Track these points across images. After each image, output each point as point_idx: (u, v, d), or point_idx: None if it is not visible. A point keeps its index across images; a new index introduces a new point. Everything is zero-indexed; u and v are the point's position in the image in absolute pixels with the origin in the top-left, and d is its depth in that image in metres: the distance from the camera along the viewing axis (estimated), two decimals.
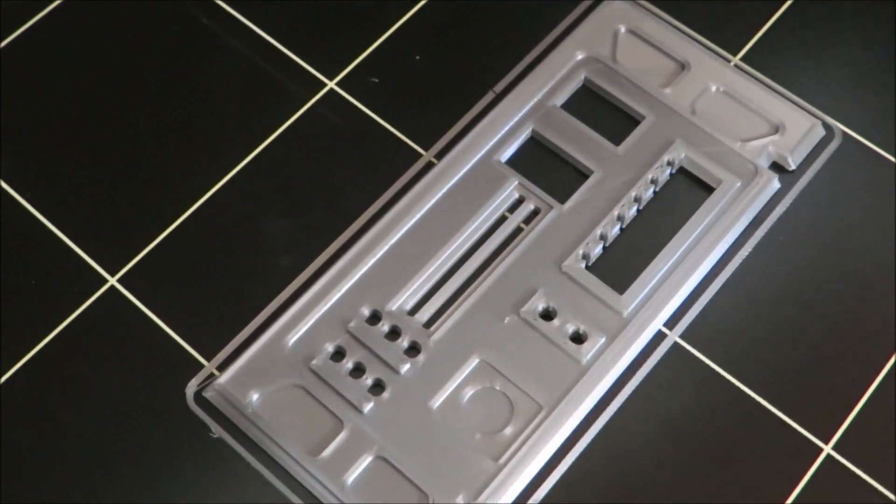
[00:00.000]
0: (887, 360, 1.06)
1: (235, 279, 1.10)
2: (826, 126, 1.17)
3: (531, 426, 1.02)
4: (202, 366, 1.06)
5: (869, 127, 1.17)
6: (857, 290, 1.09)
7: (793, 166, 1.15)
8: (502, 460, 1.01)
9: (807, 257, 1.11)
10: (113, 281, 1.10)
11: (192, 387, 1.05)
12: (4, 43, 1.23)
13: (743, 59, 1.21)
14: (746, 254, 1.11)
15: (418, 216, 1.12)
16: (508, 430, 1.02)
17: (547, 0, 1.24)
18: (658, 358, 1.06)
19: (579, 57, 1.20)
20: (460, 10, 1.25)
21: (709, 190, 1.13)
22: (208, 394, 1.04)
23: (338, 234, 1.12)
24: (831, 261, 1.11)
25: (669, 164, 1.14)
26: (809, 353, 1.06)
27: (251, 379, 1.04)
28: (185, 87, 1.21)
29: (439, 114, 1.19)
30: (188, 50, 1.23)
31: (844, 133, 1.17)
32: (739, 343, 1.07)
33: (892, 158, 1.15)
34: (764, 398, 1.04)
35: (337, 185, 1.15)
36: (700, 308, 1.08)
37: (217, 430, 1.03)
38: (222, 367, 1.06)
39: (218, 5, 1.25)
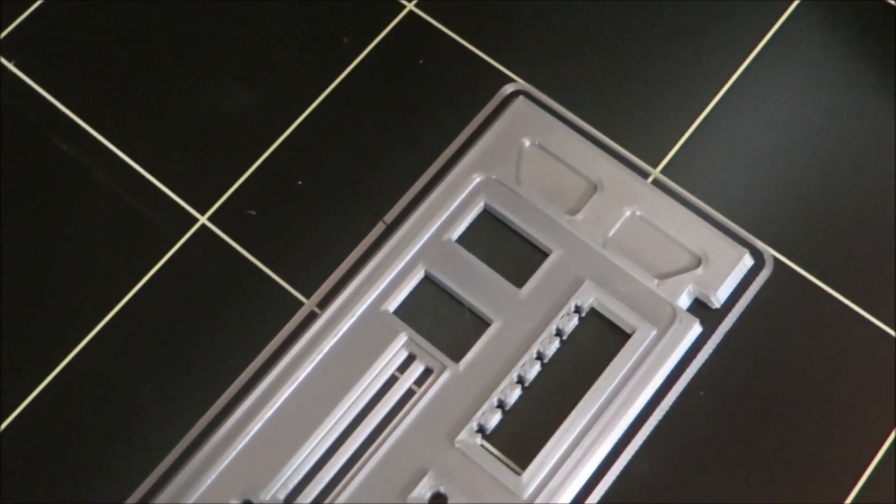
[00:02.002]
0: None
1: (98, 462, 0.99)
2: (755, 253, 1.04)
3: None
4: None
5: (803, 250, 1.04)
6: (794, 449, 0.97)
7: (717, 304, 1.02)
8: None
9: (732, 413, 0.99)
10: None
11: None
12: None
13: (664, 171, 1.08)
14: (663, 413, 0.99)
15: (297, 384, 1.00)
16: None
17: (445, 107, 1.11)
18: None
19: (477, 179, 1.07)
20: (350, 124, 1.12)
21: (623, 336, 1.01)
22: None
23: (210, 402, 1.01)
24: (760, 416, 0.99)
25: (577, 309, 1.01)
26: None
27: None
28: (36, 231, 1.08)
29: (324, 250, 1.06)
30: (42, 182, 1.10)
31: (776, 260, 1.04)
32: None
33: (831, 291, 1.03)
34: None
35: (209, 343, 1.03)
36: (612, 479, 0.97)
37: None
38: None
39: (82, 129, 1.12)
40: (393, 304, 1.03)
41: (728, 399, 1.00)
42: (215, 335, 1.04)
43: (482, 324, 1.02)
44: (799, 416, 0.99)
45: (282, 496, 0.97)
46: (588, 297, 1.01)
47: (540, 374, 1.00)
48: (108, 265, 1.07)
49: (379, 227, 1.07)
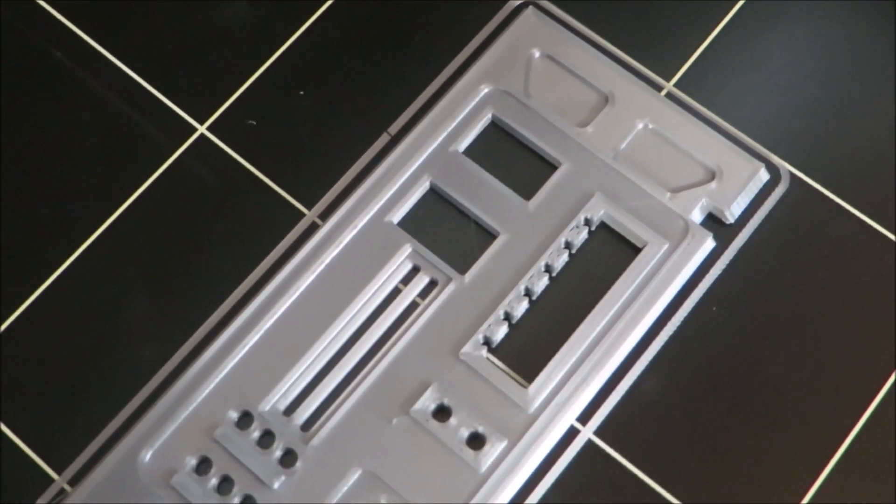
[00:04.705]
0: (828, 462, 0.92)
1: (91, 375, 0.96)
2: (771, 168, 1.01)
3: None
4: (52, 479, 0.94)
5: (822, 167, 1.01)
6: (802, 372, 0.95)
7: (731, 219, 0.99)
8: None
9: (744, 331, 0.96)
10: None
11: None
12: None
13: (677, 84, 1.04)
14: (674, 329, 0.96)
15: (298, 294, 0.97)
16: None
17: (451, 21, 1.08)
18: (569, 461, 0.92)
19: (485, 90, 1.03)
20: (353, 34, 1.08)
21: (633, 250, 0.98)
22: None
23: (206, 316, 0.98)
24: (773, 336, 0.96)
25: (587, 222, 0.98)
26: (744, 452, 0.92)
27: (103, 500, 0.91)
28: (30, 139, 1.05)
29: (326, 161, 1.03)
30: (36, 90, 1.07)
31: (793, 175, 1.01)
32: (665, 440, 0.93)
33: (847, 206, 1.00)
34: None
35: (208, 255, 1.00)
36: (619, 397, 0.94)
37: None
38: (75, 480, 0.93)
39: (76, 35, 1.09)
40: (397, 215, 1.00)
41: (740, 316, 0.97)
42: (213, 247, 1.01)
43: (489, 236, 0.99)
44: (812, 337, 0.96)
45: (281, 407, 0.94)
46: (598, 211, 0.98)
47: (548, 288, 0.97)
48: (103, 175, 1.04)
49: (383, 139, 1.03)
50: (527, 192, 1.00)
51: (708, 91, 1.04)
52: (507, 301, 0.96)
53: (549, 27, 1.06)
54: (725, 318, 0.97)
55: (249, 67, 1.07)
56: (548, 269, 0.97)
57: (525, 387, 0.93)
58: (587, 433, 0.93)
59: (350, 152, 1.03)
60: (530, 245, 0.98)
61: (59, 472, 0.93)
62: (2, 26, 1.10)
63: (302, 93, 1.06)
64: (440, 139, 1.02)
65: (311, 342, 0.95)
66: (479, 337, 0.95)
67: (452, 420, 0.92)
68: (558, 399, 0.93)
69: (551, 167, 1.01)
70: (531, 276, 0.96)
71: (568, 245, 0.98)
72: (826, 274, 0.98)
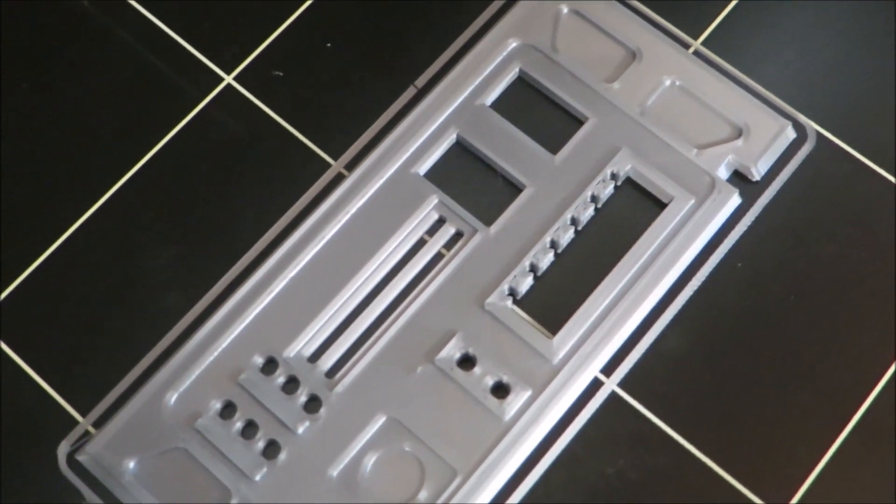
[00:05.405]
0: (851, 419, 0.92)
1: (116, 320, 0.97)
2: (798, 126, 1.01)
3: (444, 496, 0.89)
4: (77, 422, 0.94)
5: (848, 126, 1.01)
6: (826, 329, 0.95)
7: (757, 177, 0.99)
8: None
9: (768, 288, 0.96)
10: None
11: (63, 448, 0.92)
12: None
13: (704, 43, 1.04)
14: (699, 284, 0.96)
15: (323, 243, 0.97)
16: (419, 500, 0.89)
17: None
18: (592, 412, 0.92)
19: (513, 45, 1.03)
20: None
21: (659, 206, 0.98)
22: (81, 457, 0.92)
23: (231, 264, 0.98)
24: (797, 293, 0.96)
25: (613, 177, 0.98)
26: (767, 407, 0.93)
27: (128, 442, 0.91)
28: (58, 88, 1.05)
29: (352, 113, 1.03)
30: (63, 39, 1.07)
31: (819, 134, 1.01)
32: (688, 393, 0.93)
33: (874, 167, 1.00)
34: (713, 460, 0.91)
35: (233, 204, 1.00)
36: (643, 350, 0.94)
37: (90, 499, 0.91)
38: (99, 423, 0.93)
39: None
40: (423, 167, 1.00)
41: (764, 273, 0.97)
42: (238, 196, 1.01)
43: (515, 189, 0.99)
44: (835, 296, 0.96)
45: (307, 354, 0.94)
46: (624, 165, 0.98)
47: (573, 241, 0.97)
48: (129, 123, 1.04)
49: (410, 91, 1.03)
50: (553, 146, 1.00)
51: (735, 50, 1.04)
52: (532, 253, 0.96)
53: None
54: (750, 274, 0.97)
55: (277, 18, 1.07)
56: (573, 222, 0.97)
57: (550, 338, 0.93)
58: (611, 385, 0.93)
59: (376, 104, 1.03)
60: (556, 198, 0.98)
61: (83, 415, 0.94)
62: None
63: (329, 45, 1.06)
64: (467, 92, 1.02)
65: (337, 290, 0.96)
66: (504, 288, 0.95)
67: (477, 369, 0.93)
68: (583, 351, 0.93)
69: (578, 122, 1.01)
70: (557, 229, 0.96)
71: (594, 199, 0.98)
72: (851, 233, 0.98)
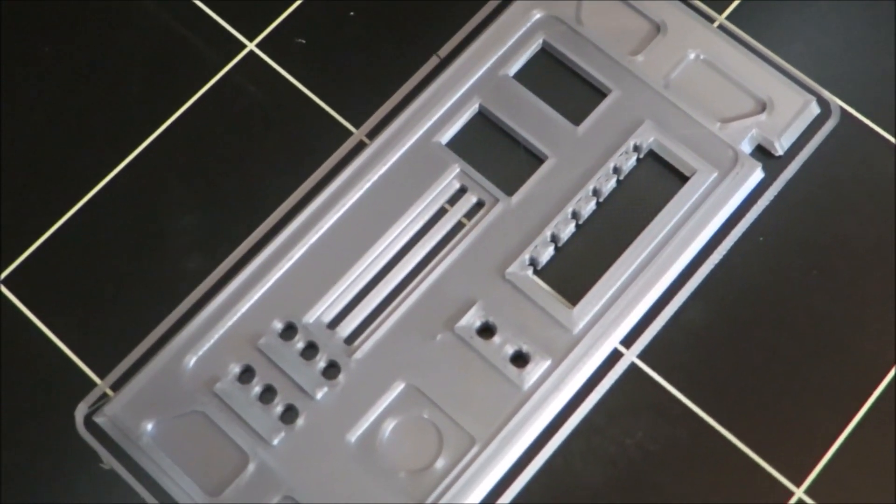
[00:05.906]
0: (871, 394, 0.92)
1: (135, 283, 0.97)
2: (822, 102, 1.00)
3: (462, 463, 0.89)
4: (95, 384, 0.94)
5: (872, 103, 1.01)
6: (848, 303, 0.95)
7: (780, 151, 0.99)
8: (428, 502, 0.89)
9: (791, 262, 0.96)
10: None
11: (81, 410, 0.93)
12: None
13: (729, 17, 1.04)
14: (720, 258, 0.96)
15: (344, 210, 0.97)
16: (436, 468, 0.89)
17: None
18: (611, 383, 0.92)
19: (537, 16, 1.03)
20: None
21: (681, 179, 0.98)
22: (99, 419, 0.92)
23: (252, 229, 0.98)
24: (820, 268, 0.96)
25: (636, 149, 0.98)
26: (787, 381, 0.92)
27: (146, 404, 0.91)
28: (81, 53, 1.05)
29: (375, 82, 1.03)
30: (87, 4, 1.07)
31: (843, 111, 1.00)
32: (708, 366, 0.93)
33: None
34: (732, 433, 0.91)
35: (254, 170, 1.00)
36: (664, 322, 0.94)
37: (108, 461, 0.91)
38: (117, 385, 0.93)
39: None
40: (445, 136, 1.00)
41: (787, 247, 0.97)
42: (260, 162, 1.01)
43: (537, 160, 0.99)
44: (857, 270, 0.96)
45: (326, 320, 0.94)
46: (647, 137, 0.98)
47: (595, 212, 0.97)
48: (152, 88, 1.03)
49: (433, 61, 1.03)
50: (576, 117, 1.00)
51: (759, 25, 1.04)
52: (553, 223, 0.95)
53: None
54: (772, 248, 0.97)
55: None
56: (595, 193, 0.97)
57: (570, 308, 0.93)
58: (631, 356, 0.93)
59: (399, 73, 1.03)
60: (578, 169, 0.98)
61: (101, 377, 0.94)
62: None
63: (352, 13, 1.06)
64: (490, 63, 1.01)
65: (357, 257, 0.95)
66: (525, 258, 0.95)
67: (497, 338, 0.92)
68: (603, 321, 0.93)
69: (601, 94, 1.01)
70: (579, 200, 0.96)
71: (616, 170, 0.98)
72: (873, 208, 0.98)
